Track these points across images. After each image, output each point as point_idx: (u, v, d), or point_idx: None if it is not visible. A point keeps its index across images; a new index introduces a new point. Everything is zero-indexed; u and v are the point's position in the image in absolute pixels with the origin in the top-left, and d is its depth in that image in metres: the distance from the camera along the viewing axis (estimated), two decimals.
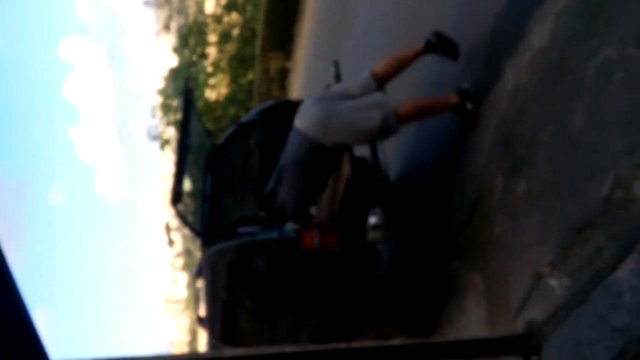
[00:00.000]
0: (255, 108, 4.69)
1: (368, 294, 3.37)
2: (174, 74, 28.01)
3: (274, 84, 18.91)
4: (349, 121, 3.14)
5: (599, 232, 1.87)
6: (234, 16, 22.58)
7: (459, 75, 3.44)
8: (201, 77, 22.94)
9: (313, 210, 3.35)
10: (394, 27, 5.87)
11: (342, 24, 10.20)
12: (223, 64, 22.77)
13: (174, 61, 31.03)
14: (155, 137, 32.08)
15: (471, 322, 2.89)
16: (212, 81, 22.45)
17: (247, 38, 21.37)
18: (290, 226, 3.33)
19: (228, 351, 2.47)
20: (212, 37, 23.48)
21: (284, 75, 19.08)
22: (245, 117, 4.38)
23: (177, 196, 3.25)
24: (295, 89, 17.37)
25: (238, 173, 4.27)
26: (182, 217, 3.32)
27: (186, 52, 24.77)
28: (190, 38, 24.17)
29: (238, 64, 22.24)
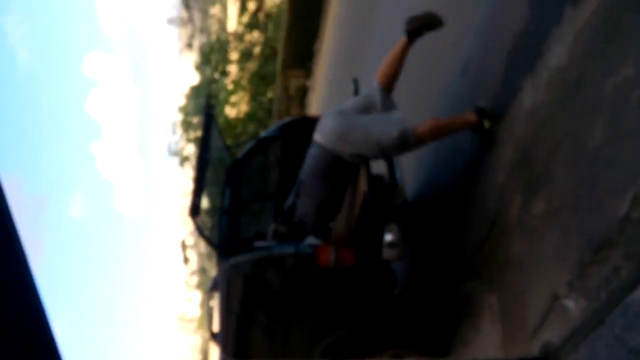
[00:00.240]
0: (275, 124, 4.72)
1: (383, 314, 3.35)
2: (195, 91, 28.42)
3: (294, 101, 19.06)
4: (367, 132, 3.20)
5: (617, 251, 1.85)
6: (256, 34, 22.89)
7: (478, 94, 3.45)
8: (222, 95, 23.20)
9: (332, 225, 3.37)
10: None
11: (362, 42, 10.28)
12: (244, 82, 23.03)
13: (195, 79, 31.54)
14: (175, 153, 32.50)
15: (486, 343, 2.85)
16: (232, 98, 22.69)
17: (268, 56, 21.63)
18: (307, 241, 3.34)
19: None
20: (234, 55, 23.79)
21: (303, 93, 19.23)
22: (264, 133, 4.43)
23: (195, 208, 3.29)
24: (315, 107, 17.47)
25: (257, 188, 4.31)
26: (199, 229, 3.34)
27: (208, 69, 25.11)
28: (212, 55, 24.52)
29: (258, 82, 22.49)
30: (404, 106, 3.46)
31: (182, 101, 32.09)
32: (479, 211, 3.21)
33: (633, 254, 1.78)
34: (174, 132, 32.32)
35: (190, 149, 28.49)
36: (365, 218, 3.29)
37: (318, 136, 3.31)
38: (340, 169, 3.27)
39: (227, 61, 23.51)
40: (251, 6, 20.42)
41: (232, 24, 28.61)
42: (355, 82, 3.97)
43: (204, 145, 3.65)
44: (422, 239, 4.07)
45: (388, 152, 3.38)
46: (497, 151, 3.10)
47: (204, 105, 4.53)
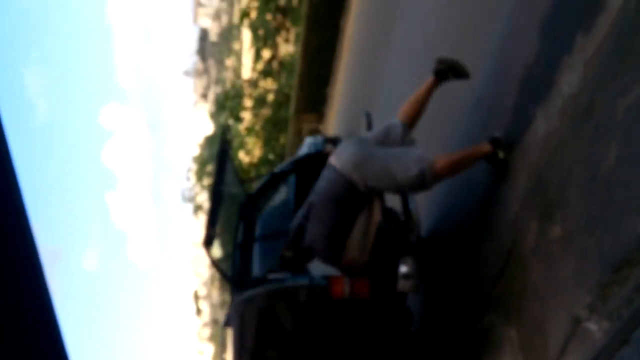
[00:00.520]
0: (289, 158, 4.77)
1: (401, 350, 3.27)
2: (210, 141, 28.87)
3: None
4: (385, 166, 3.16)
5: (638, 269, 1.81)
6: (269, 82, 23.37)
7: (491, 125, 3.47)
8: (236, 141, 23.54)
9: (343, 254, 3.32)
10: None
11: (372, 86, 10.45)
12: (257, 127, 23.38)
13: (210, 129, 32.12)
14: (189, 199, 32.75)
15: None
16: (246, 144, 22.99)
17: (281, 102, 22.01)
18: (316, 266, 3.29)
19: None
20: (248, 102, 24.23)
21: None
22: (278, 167, 4.47)
23: (209, 239, 3.29)
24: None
25: (271, 223, 4.30)
26: (213, 260, 3.34)
27: (222, 116, 25.58)
28: (227, 102, 25.02)
29: (272, 128, 22.80)
30: (418, 139, 3.47)
31: (196, 151, 32.67)
32: (495, 242, 3.17)
33: None
34: (188, 179, 32.73)
35: (204, 197, 28.70)
36: (379, 249, 3.27)
37: (335, 160, 3.27)
38: (354, 196, 3.22)
39: (241, 107, 23.95)
40: (266, 54, 20.92)
41: (247, 72, 29.31)
42: (368, 115, 4.02)
43: (218, 177, 3.68)
44: (439, 274, 4.02)
45: (403, 189, 3.37)
46: (511, 181, 3.09)
47: (219, 139, 4.59)
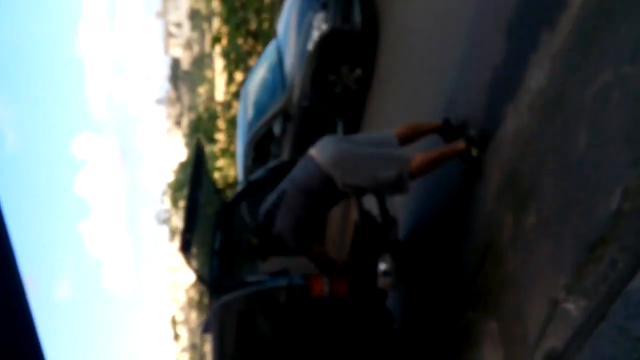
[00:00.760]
0: (265, 166, 4.76)
1: (383, 349, 3.26)
2: (184, 167, 28.67)
3: None
4: (365, 165, 3.17)
5: (611, 246, 1.85)
6: None
7: (465, 123, 3.53)
8: (210, 162, 23.40)
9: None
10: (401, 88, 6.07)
11: None
12: (232, 148, 23.30)
13: (183, 155, 31.94)
14: (164, 221, 32.35)
15: None
16: (219, 164, 22.87)
17: None
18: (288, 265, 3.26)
19: None
20: (222, 124, 24.16)
21: None
22: (254, 175, 4.45)
23: (186, 244, 3.25)
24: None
25: (247, 231, 4.26)
26: (190, 264, 3.29)
27: (196, 138, 25.43)
28: (201, 125, 24.93)
29: None
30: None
31: (170, 178, 32.42)
32: (472, 239, 3.21)
33: (628, 246, 1.79)
34: (162, 202, 32.39)
35: (179, 220, 28.37)
36: (357, 247, 3.27)
37: (315, 153, 3.24)
38: (328, 192, 3.20)
39: (215, 129, 23.87)
40: (238, 77, 21.00)
41: (220, 95, 29.28)
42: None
43: (194, 183, 3.65)
44: (418, 273, 4.03)
45: (381, 189, 3.38)
46: (485, 177, 3.14)
47: (194, 146, 4.57)
